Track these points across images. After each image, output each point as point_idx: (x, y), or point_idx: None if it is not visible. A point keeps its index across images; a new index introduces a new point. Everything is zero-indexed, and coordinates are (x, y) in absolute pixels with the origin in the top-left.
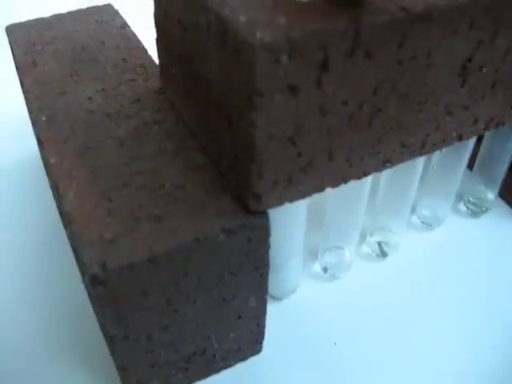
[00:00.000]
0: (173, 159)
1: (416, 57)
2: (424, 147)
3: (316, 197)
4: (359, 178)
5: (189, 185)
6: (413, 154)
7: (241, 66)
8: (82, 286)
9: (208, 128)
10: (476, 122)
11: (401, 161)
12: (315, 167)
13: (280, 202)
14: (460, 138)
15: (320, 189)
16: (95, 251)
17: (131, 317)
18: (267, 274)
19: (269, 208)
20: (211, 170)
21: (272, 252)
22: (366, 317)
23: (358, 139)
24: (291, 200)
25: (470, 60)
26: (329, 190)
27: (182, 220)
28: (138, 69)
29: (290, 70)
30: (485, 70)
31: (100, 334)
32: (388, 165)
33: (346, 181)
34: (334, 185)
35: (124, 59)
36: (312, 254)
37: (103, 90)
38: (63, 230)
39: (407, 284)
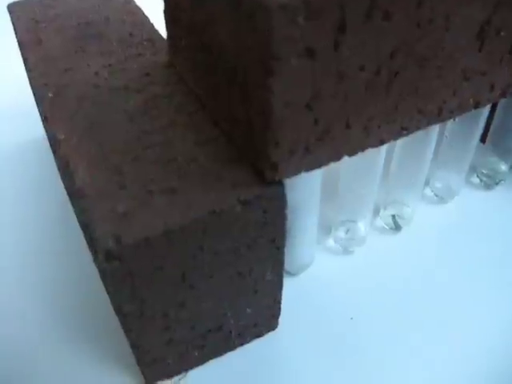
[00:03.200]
0: (184, 132)
1: (434, 19)
2: (441, 114)
3: (329, 170)
4: (376, 146)
5: (202, 157)
6: (430, 121)
7: (256, 30)
8: (91, 266)
9: (220, 99)
10: (492, 88)
11: (418, 128)
12: (332, 135)
13: (297, 172)
14: (477, 105)
15: (337, 157)
16: (109, 225)
17: (146, 293)
18: (283, 246)
19: (285, 177)
20: (224, 141)
21: (287, 224)
22: (381, 290)
23: (376, 106)
24: (308, 169)
25: (487, 23)
26: (343, 161)
27: (197, 193)
28: (145, 43)
29: (306, 32)
30: (502, 33)
31: (112, 314)
32: (405, 132)
33: (363, 149)
34: (351, 153)
35: (130, 34)
36: (326, 228)
37: (110, 65)
38: (70, 213)
39: (421, 257)
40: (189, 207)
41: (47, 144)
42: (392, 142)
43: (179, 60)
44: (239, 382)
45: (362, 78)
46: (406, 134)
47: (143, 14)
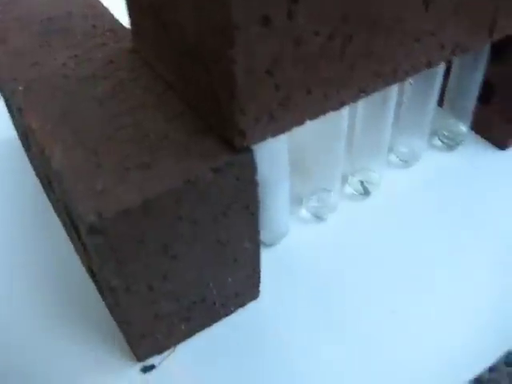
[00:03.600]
0: (153, 111)
1: None
2: (396, 75)
3: (295, 142)
4: (337, 108)
5: (172, 132)
6: (386, 82)
7: (215, 2)
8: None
9: (185, 76)
10: (442, 47)
11: (375, 89)
12: (294, 100)
13: (264, 137)
14: (429, 65)
15: (300, 122)
16: (89, 202)
17: (131, 266)
18: (258, 213)
19: (253, 144)
20: (193, 116)
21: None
22: (355, 254)
23: (333, 70)
24: (274, 134)
25: None
26: (309, 132)
27: (171, 165)
28: (108, 33)
29: (262, 1)
30: None
31: (95, 296)
32: (363, 94)
33: (324, 112)
34: (313, 117)
35: (93, 26)
36: (298, 199)
37: (76, 56)
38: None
39: (392, 218)
40: (163, 179)
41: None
42: (353, 109)
43: (143, 44)
44: (226, 353)
45: (318, 43)
46: (365, 96)
47: (103, 6)
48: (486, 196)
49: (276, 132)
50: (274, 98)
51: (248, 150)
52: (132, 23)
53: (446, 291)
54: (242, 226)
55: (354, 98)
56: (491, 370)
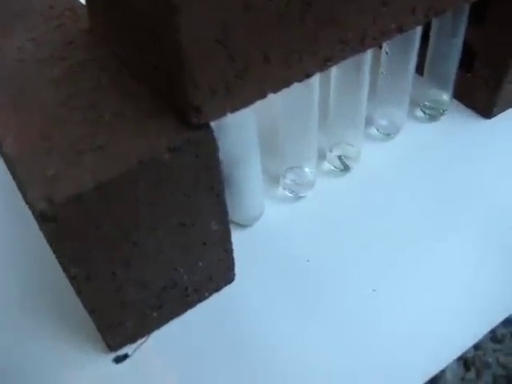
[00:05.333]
0: (109, 91)
1: None
2: (364, 42)
3: (266, 119)
4: (301, 80)
5: (128, 112)
6: (353, 49)
7: None
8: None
9: (138, 52)
10: (414, 11)
11: (342, 58)
12: (252, 71)
13: (222, 113)
14: (400, 30)
15: (261, 95)
16: (41, 188)
17: (89, 254)
18: (223, 193)
19: (212, 120)
20: (148, 94)
21: (230, 175)
22: (335, 231)
23: (293, 38)
24: (234, 109)
25: None
26: (280, 109)
27: (125, 146)
28: (66, 13)
29: None
30: None
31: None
32: (329, 63)
33: (288, 84)
34: (276, 89)
35: (51, 6)
36: (274, 178)
37: (33, 38)
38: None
39: (373, 194)
40: (118, 160)
41: None
42: (327, 81)
43: (98, 23)
44: (201, 340)
45: (272, 8)
46: (332, 65)
47: None
48: (471, 167)
49: (235, 106)
50: (229, 69)
51: (206, 127)
52: (86, 1)
53: (430, 267)
54: (208, 207)
55: (320, 68)
56: (476, 347)
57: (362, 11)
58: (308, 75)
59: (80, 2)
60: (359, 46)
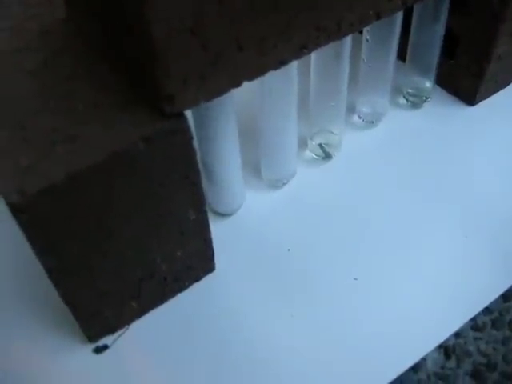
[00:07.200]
0: (85, 82)
1: None
2: (340, 29)
3: (245, 107)
4: (276, 67)
5: (102, 103)
6: (330, 37)
7: None
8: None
9: (114, 43)
10: None
11: (318, 45)
12: (225, 60)
13: (196, 102)
14: (378, 17)
15: (236, 83)
16: (12, 180)
17: (64, 245)
18: (199, 182)
19: (185, 109)
20: (124, 85)
21: (207, 162)
22: (316, 220)
23: (266, 25)
24: (208, 98)
25: None
26: (260, 101)
27: (99, 137)
28: (42, 2)
29: None
30: None
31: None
32: (305, 51)
33: (263, 72)
34: (251, 77)
35: None
36: (255, 169)
37: (10, 28)
38: None
39: (354, 182)
40: (91, 152)
41: None
42: (307, 68)
43: (74, 12)
44: (181, 330)
45: None
46: (308, 53)
47: None
48: (453, 154)
49: (210, 95)
50: (201, 58)
51: (180, 116)
52: None
53: (411, 255)
54: (184, 196)
55: (295, 55)
56: (457, 335)
57: None
58: (283, 63)
59: None
60: (336, 33)
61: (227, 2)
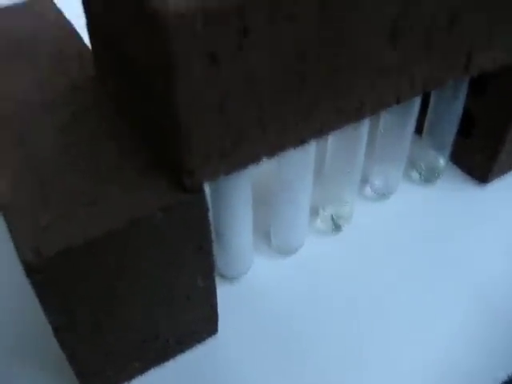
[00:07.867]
0: (109, 144)
1: (341, 16)
2: (360, 111)
3: (261, 176)
4: (296, 146)
5: (125, 167)
6: (349, 118)
7: (156, 37)
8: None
9: (139, 110)
10: (412, 83)
11: (338, 127)
12: (247, 138)
13: (215, 176)
14: (398, 101)
15: (255, 160)
16: (29, 238)
17: (74, 306)
18: (211, 251)
19: (204, 182)
20: (147, 151)
21: (220, 230)
22: (322, 291)
23: (290, 107)
24: (227, 173)
25: (399, 19)
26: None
27: (118, 202)
28: (74, 58)
29: (207, 38)
30: (415, 29)
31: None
32: (325, 131)
33: (282, 150)
34: (270, 155)
35: (60, 50)
36: (265, 234)
37: (39, 81)
38: None
39: (363, 255)
40: (110, 217)
41: None
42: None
43: (103, 72)
44: None
45: (272, 79)
46: (327, 133)
47: (73, 29)
48: (463, 233)
49: (229, 170)
50: (224, 136)
51: (199, 189)
52: (93, 50)
53: (420, 333)
54: (195, 265)
55: (316, 136)
56: None
57: (361, 84)
58: (303, 142)
59: (88, 48)
60: (355, 116)
61: (254, 87)
